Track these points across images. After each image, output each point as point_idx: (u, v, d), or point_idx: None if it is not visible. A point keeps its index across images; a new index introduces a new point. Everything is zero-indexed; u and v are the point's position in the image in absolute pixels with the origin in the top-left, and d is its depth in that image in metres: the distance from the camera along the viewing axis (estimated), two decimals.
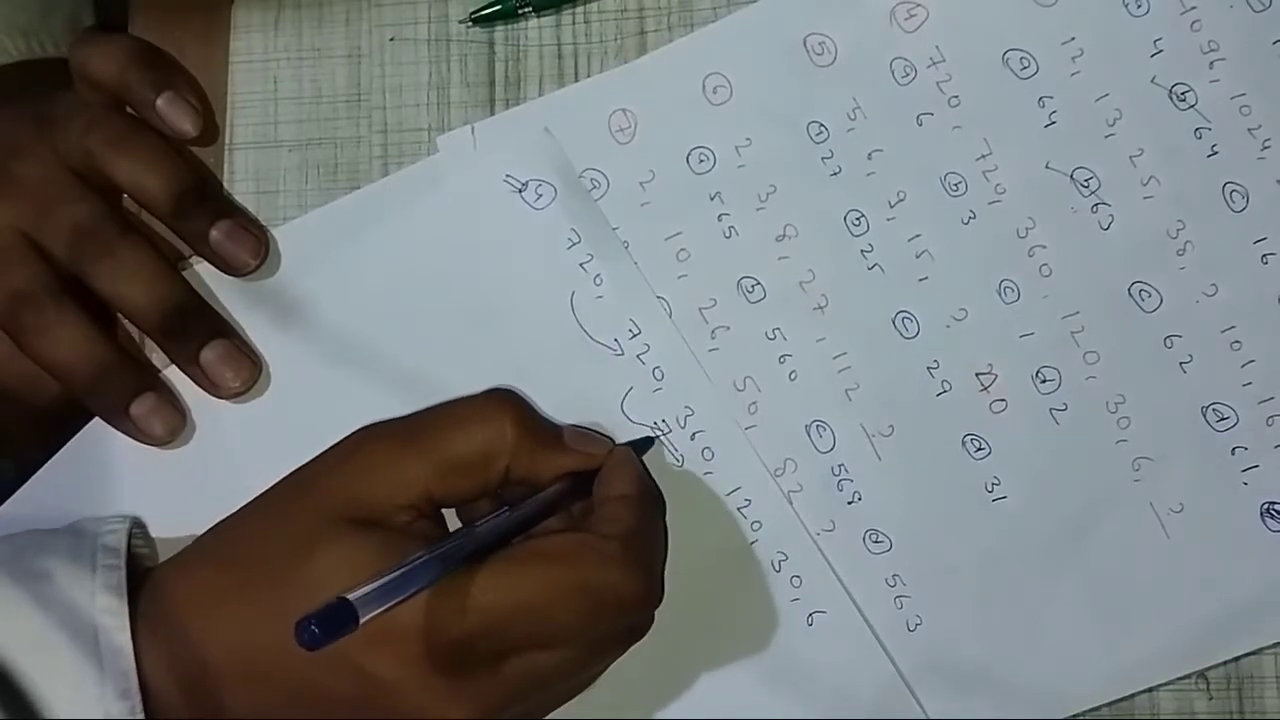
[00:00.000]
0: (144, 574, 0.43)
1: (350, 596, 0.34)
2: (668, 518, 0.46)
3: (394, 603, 0.36)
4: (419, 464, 0.42)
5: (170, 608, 0.42)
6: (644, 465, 0.46)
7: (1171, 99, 0.48)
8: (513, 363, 0.48)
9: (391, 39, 0.51)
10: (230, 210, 0.48)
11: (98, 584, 0.41)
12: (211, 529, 0.44)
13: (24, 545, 0.43)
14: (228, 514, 0.44)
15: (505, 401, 0.44)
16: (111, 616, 0.41)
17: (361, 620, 0.34)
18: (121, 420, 0.47)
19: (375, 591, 0.35)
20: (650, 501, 0.45)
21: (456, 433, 0.43)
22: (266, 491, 0.44)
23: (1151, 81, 0.48)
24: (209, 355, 0.47)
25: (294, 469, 0.44)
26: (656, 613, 0.44)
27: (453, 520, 0.46)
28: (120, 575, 0.42)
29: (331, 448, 0.44)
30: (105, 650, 0.40)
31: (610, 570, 0.41)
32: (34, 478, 0.48)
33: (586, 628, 0.41)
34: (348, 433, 0.44)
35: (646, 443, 0.47)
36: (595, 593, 0.40)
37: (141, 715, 0.39)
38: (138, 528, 0.46)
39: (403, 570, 0.37)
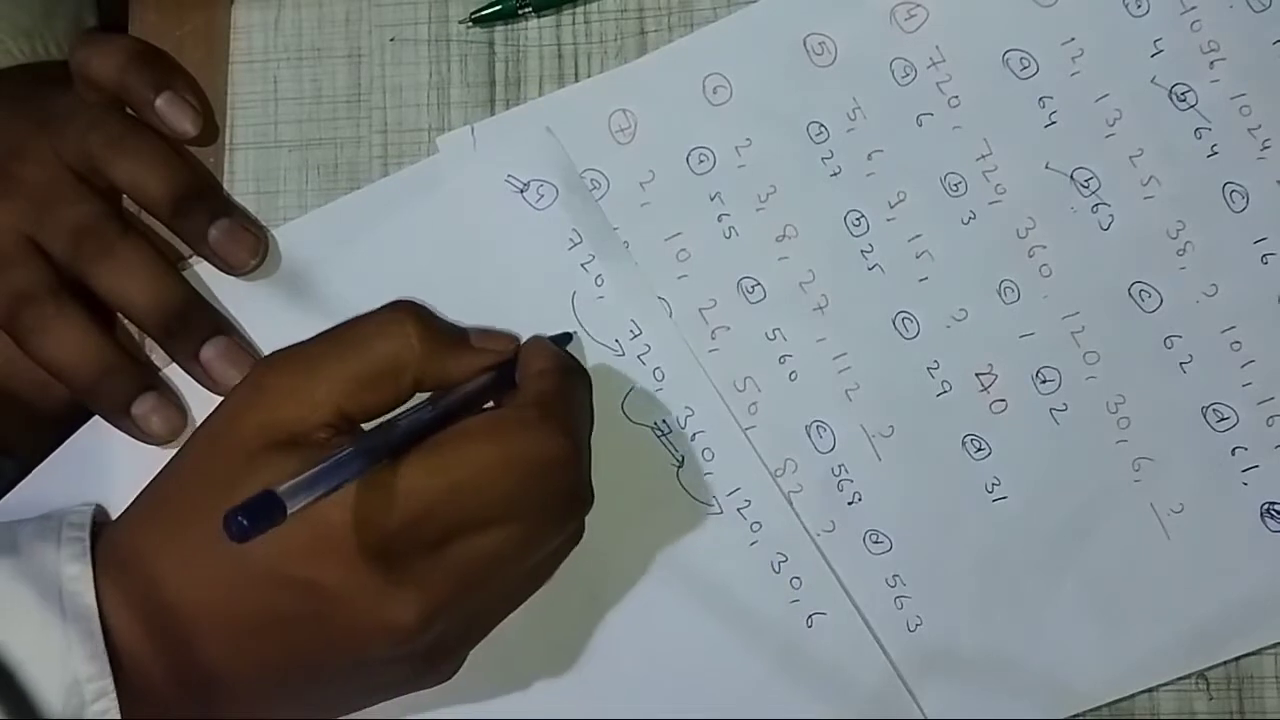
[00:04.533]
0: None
1: (276, 489, 0.34)
2: (665, 520, 0.47)
3: (320, 494, 0.35)
4: (326, 386, 0.42)
5: (123, 559, 0.42)
6: (564, 350, 0.46)
7: (1171, 99, 0.48)
8: None
9: (391, 39, 0.51)
10: (229, 210, 0.48)
11: (63, 554, 0.41)
12: (146, 486, 0.44)
13: None
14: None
15: (406, 311, 0.44)
16: (76, 581, 0.41)
17: (290, 510, 0.34)
18: (122, 420, 0.47)
19: (301, 484, 0.35)
20: (568, 371, 0.45)
21: (360, 349, 0.42)
22: (186, 442, 0.44)
23: (1151, 81, 0.48)
24: (210, 353, 0.47)
25: (207, 415, 0.44)
26: (663, 616, 0.44)
27: None
28: (84, 545, 0.42)
29: (237, 385, 0.44)
30: (70, 611, 0.40)
31: (529, 434, 0.41)
32: (32, 474, 0.48)
33: (517, 499, 0.41)
34: None
35: (564, 338, 0.48)
36: (518, 460, 0.41)
37: (109, 676, 0.39)
38: (102, 514, 0.46)
39: (327, 464, 0.37)
